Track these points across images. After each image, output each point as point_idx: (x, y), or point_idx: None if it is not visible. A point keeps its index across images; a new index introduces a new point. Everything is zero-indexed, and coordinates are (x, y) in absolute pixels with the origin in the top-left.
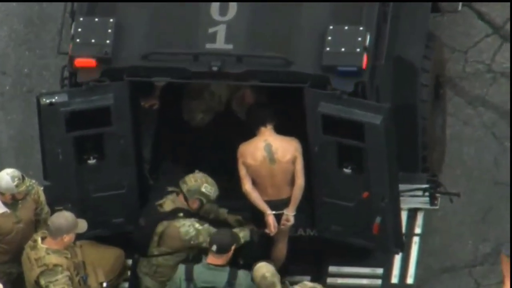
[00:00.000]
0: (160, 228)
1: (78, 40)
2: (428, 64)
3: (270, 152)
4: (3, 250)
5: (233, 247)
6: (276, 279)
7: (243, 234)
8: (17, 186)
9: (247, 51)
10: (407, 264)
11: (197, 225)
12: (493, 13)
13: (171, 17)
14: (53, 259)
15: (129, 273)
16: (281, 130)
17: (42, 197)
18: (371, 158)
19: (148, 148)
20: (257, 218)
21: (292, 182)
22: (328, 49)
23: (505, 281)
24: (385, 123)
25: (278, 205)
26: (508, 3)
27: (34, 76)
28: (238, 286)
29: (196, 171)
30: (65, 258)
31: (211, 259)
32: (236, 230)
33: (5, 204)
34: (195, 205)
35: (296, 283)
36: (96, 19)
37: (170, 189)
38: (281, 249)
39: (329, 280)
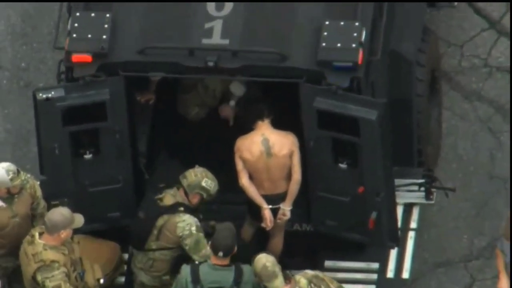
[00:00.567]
0: (160, 221)
1: (74, 35)
2: (423, 59)
3: (267, 146)
4: None
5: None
6: (277, 268)
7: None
8: (11, 180)
9: (243, 47)
10: (403, 259)
11: (194, 227)
12: (490, 8)
13: (167, 13)
14: (50, 255)
15: (125, 267)
16: (277, 125)
17: (39, 192)
18: (366, 153)
19: (143, 142)
20: (254, 212)
21: (288, 176)
22: (323, 44)
23: (500, 276)
24: (380, 119)
25: (274, 199)
26: None
27: (31, 70)
28: (245, 284)
29: (196, 166)
30: (62, 254)
31: (216, 260)
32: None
33: (1, 198)
34: (195, 199)
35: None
36: (93, 14)
37: (161, 185)
38: (277, 243)
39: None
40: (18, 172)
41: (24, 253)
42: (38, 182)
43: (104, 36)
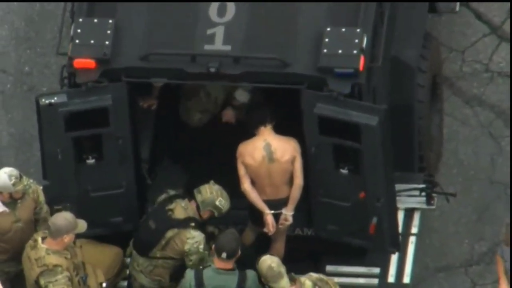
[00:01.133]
0: (170, 233)
1: (77, 41)
2: (425, 65)
3: (269, 151)
4: (2, 249)
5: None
6: (283, 269)
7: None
8: (14, 184)
9: (245, 53)
10: (404, 264)
11: (202, 246)
12: (491, 13)
13: (170, 19)
14: (53, 259)
15: (127, 271)
16: (279, 130)
17: (41, 197)
18: (367, 159)
19: (146, 147)
20: (255, 217)
21: (290, 182)
22: (325, 50)
23: (500, 282)
24: (381, 125)
25: (276, 204)
26: (506, 3)
27: (35, 74)
28: None
29: (212, 182)
30: (65, 258)
31: (219, 264)
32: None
33: (4, 203)
34: (206, 215)
35: None
36: (96, 20)
37: (171, 192)
38: (278, 248)
39: None
40: (21, 177)
41: (27, 257)
42: (41, 187)
43: (107, 42)
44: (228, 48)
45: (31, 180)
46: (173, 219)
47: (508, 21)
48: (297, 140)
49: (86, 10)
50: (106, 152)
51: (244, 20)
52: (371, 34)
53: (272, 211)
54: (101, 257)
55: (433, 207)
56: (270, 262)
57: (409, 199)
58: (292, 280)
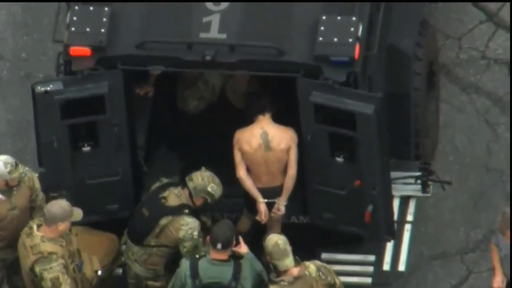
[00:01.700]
0: (163, 221)
1: (73, 28)
2: (421, 52)
3: (266, 139)
4: None
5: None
6: (288, 248)
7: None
8: (9, 172)
9: (240, 41)
10: (399, 251)
11: (196, 232)
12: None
13: (166, 7)
14: (48, 247)
15: (123, 258)
16: (276, 119)
17: (37, 184)
18: (363, 147)
19: (142, 135)
20: (250, 205)
21: (285, 170)
22: (320, 39)
23: (496, 270)
24: (377, 113)
25: (271, 192)
26: None
27: (31, 60)
28: (244, 280)
29: (203, 168)
30: (60, 246)
31: (214, 254)
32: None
33: None
34: (199, 202)
35: None
36: (91, 8)
37: (165, 180)
38: None
39: None
40: (17, 164)
41: (22, 245)
42: (37, 175)
43: (103, 30)
44: (223, 36)
45: (27, 168)
46: (167, 207)
47: (505, 7)
48: (294, 129)
49: None
50: (102, 139)
51: (240, 8)
52: (367, 23)
53: (266, 200)
54: (97, 244)
55: (428, 195)
56: (276, 239)
57: (405, 186)
58: (297, 262)
